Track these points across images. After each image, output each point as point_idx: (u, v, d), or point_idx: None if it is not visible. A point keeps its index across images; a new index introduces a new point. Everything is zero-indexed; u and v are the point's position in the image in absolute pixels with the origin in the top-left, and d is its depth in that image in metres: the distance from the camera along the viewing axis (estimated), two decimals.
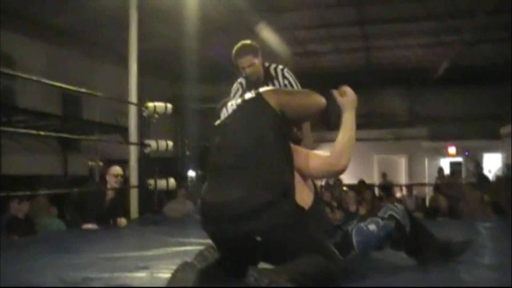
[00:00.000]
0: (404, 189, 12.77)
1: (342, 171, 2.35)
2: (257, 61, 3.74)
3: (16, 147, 8.75)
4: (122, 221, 5.05)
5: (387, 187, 11.74)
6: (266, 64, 3.88)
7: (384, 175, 13.38)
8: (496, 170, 14.07)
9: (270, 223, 2.12)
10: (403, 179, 15.06)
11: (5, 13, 8.61)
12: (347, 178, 14.34)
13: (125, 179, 5.42)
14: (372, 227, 2.43)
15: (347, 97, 2.42)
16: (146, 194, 5.81)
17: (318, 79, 15.73)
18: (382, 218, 2.46)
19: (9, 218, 6.06)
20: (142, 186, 5.41)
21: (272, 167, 2.21)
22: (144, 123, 5.35)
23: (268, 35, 10.24)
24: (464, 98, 14.86)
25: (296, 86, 3.94)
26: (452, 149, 15.19)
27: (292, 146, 2.39)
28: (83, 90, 4.89)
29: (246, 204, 2.14)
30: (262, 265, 2.26)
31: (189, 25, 8.99)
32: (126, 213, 5.34)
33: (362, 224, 2.45)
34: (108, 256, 3.23)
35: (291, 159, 2.30)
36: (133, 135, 5.70)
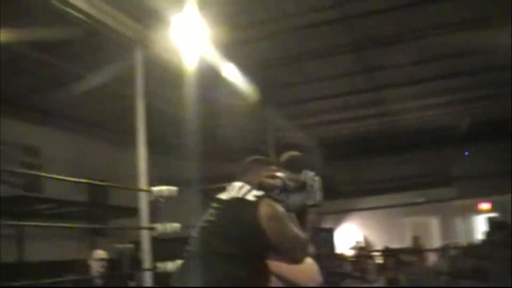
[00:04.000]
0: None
1: None
2: None
3: (42, 233, 8.99)
4: None
5: (417, 252, 11.41)
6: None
7: (415, 238, 13.01)
8: None
9: None
10: (436, 240, 14.63)
11: (28, 108, 9.18)
12: (378, 245, 14.06)
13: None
14: None
15: None
16: (155, 278, 5.82)
17: (341, 148, 15.86)
18: None
19: None
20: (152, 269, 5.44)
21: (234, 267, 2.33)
22: (153, 206, 5.48)
23: None
24: (491, 152, 14.63)
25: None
26: (484, 205, 14.80)
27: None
28: (95, 182, 5.06)
29: None
30: None
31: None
32: None
33: None
34: None
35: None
36: (144, 219, 5.84)
